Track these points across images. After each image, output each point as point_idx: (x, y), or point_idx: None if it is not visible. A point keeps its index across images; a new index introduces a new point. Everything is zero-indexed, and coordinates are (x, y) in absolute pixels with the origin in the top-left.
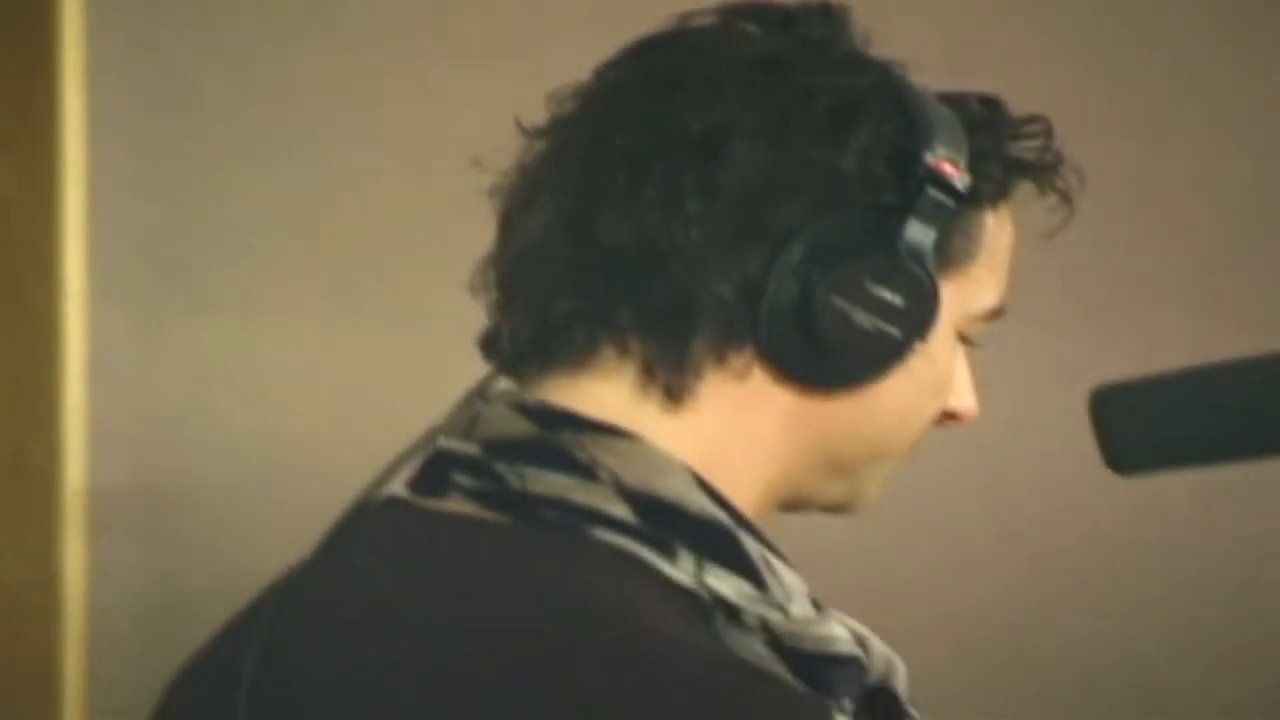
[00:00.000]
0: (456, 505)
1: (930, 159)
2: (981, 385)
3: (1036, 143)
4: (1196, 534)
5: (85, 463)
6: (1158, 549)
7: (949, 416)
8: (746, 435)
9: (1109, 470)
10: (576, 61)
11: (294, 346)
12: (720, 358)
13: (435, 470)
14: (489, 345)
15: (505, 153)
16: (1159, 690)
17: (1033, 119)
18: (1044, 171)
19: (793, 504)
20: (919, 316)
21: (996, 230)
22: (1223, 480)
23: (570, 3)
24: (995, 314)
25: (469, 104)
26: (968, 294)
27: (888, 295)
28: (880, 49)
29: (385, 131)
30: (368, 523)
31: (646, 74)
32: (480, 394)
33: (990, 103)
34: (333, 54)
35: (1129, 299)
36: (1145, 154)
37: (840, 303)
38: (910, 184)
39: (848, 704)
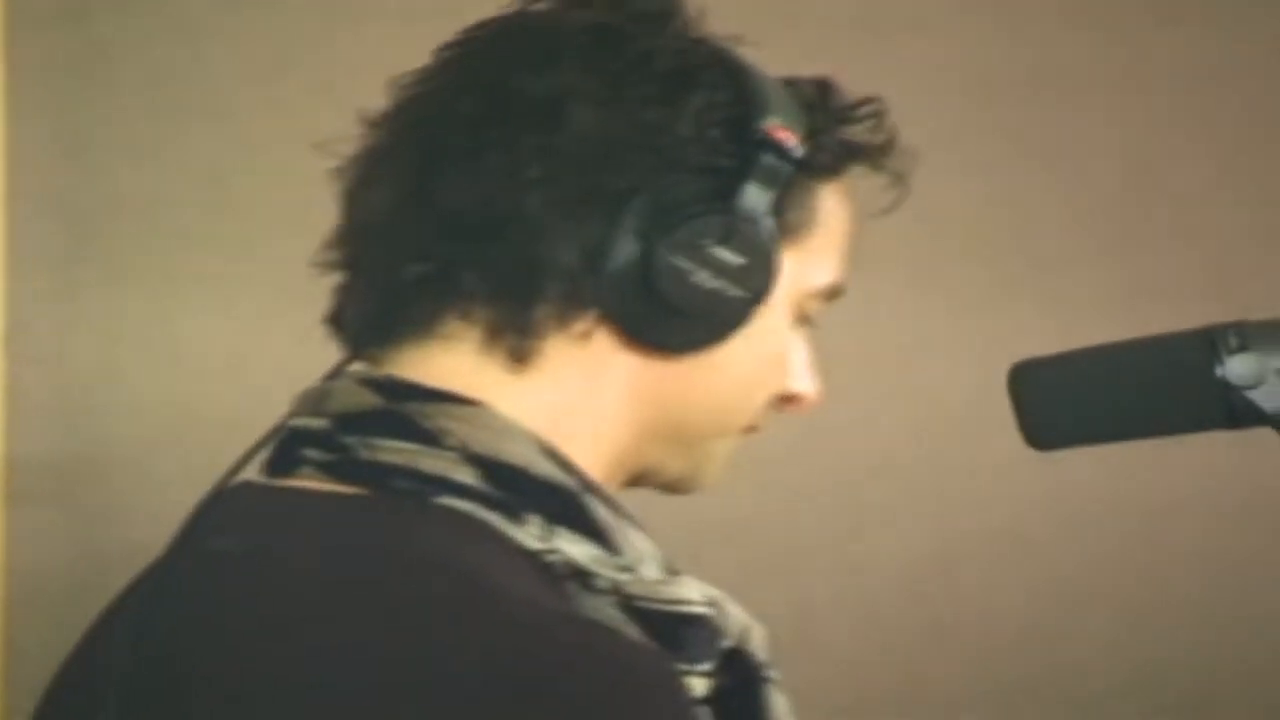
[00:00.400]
0: (307, 481)
1: (765, 124)
2: (903, 360)
3: (869, 123)
4: (1107, 507)
5: (2, 431)
6: (1071, 523)
7: (789, 400)
8: (591, 400)
9: (1029, 446)
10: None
11: (210, 316)
12: (563, 322)
13: (286, 448)
14: (336, 324)
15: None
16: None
17: (866, 100)
18: (876, 152)
19: (638, 477)
20: (759, 276)
21: (833, 207)
22: (1131, 453)
23: None
24: (834, 292)
25: (385, 71)
26: (806, 267)
27: (727, 255)
28: (715, 27)
29: (303, 100)
30: (222, 508)
31: (485, 48)
32: (331, 376)
33: (824, 84)
34: (252, 23)
35: (1048, 272)
36: (1062, 120)
37: (680, 262)
38: (746, 148)
39: (703, 665)
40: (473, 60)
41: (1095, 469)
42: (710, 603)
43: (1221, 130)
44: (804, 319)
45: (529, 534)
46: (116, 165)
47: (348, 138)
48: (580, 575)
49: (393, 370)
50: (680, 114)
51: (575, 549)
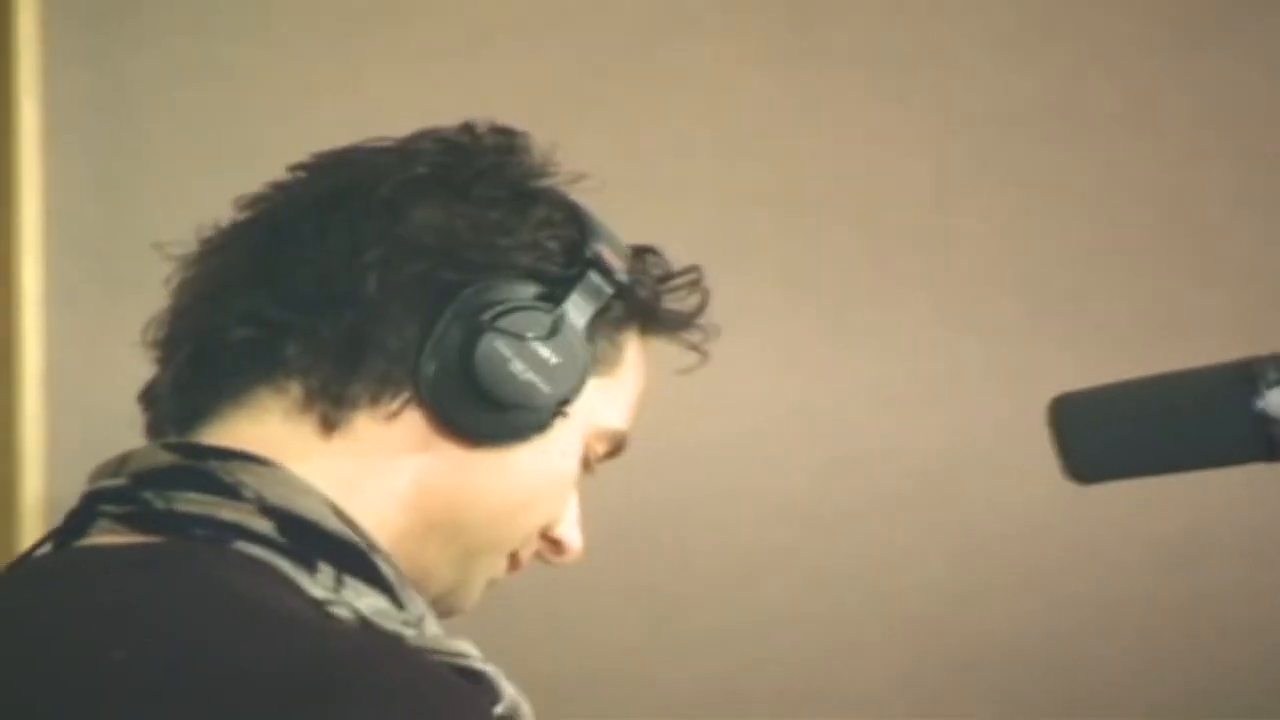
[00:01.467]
0: (102, 536)
1: (597, 247)
2: (931, 393)
3: (684, 291)
4: (1136, 542)
5: (42, 474)
6: (1099, 558)
7: (553, 544)
8: (385, 479)
9: (1068, 478)
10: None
11: None
12: (376, 400)
13: (82, 511)
14: (147, 402)
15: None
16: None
17: (687, 270)
18: (685, 321)
19: (411, 575)
20: (570, 379)
21: (635, 358)
22: (1162, 488)
23: (504, 10)
24: (618, 443)
25: (412, 107)
26: (604, 402)
27: (545, 351)
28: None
29: (333, 138)
30: (9, 577)
31: (340, 157)
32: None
33: (649, 249)
34: (282, 62)
35: (1075, 305)
36: (1089, 154)
37: (502, 347)
38: (576, 263)
39: None
40: (327, 165)
41: (1124, 503)
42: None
43: (1248, 163)
44: (587, 463)
45: (319, 583)
46: (154, 206)
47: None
48: (364, 625)
49: (196, 439)
50: (522, 220)
51: (362, 601)
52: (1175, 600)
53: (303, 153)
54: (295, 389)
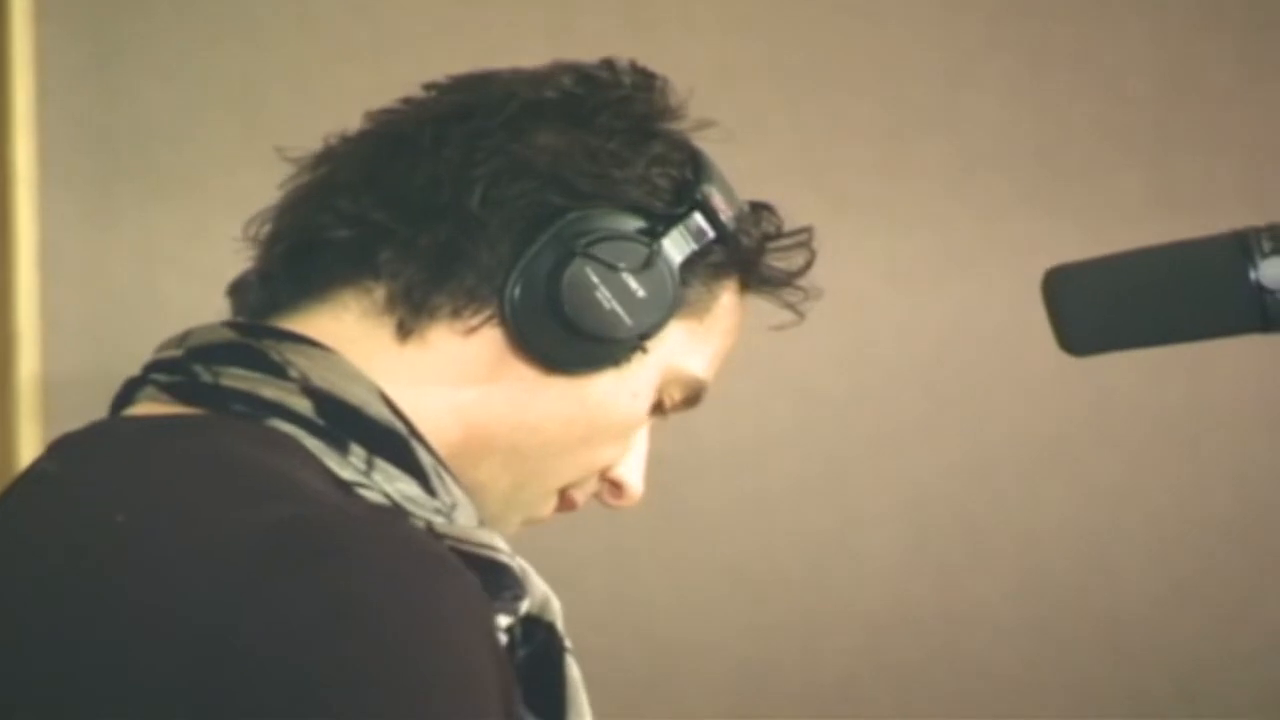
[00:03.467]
0: (147, 406)
1: (708, 189)
2: (935, 272)
3: (794, 249)
4: (1145, 416)
5: (38, 350)
6: (1108, 431)
7: (612, 486)
8: (452, 391)
9: (1064, 351)
10: None
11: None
12: (458, 313)
13: (135, 380)
14: (237, 294)
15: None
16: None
17: (799, 230)
18: (785, 279)
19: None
20: (653, 315)
21: (729, 308)
22: (1168, 361)
23: None
24: (697, 390)
25: None
26: (688, 346)
27: (633, 284)
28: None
29: (336, 16)
30: (61, 442)
31: (468, 81)
32: None
33: (766, 205)
34: None
35: (1078, 180)
36: (1091, 28)
37: (590, 274)
38: (684, 202)
39: (503, 619)
40: (460, 84)
41: (1132, 377)
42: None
43: (1252, 34)
44: (660, 407)
45: (349, 465)
46: (147, 84)
47: (380, 52)
48: (394, 510)
49: (264, 323)
50: (637, 154)
51: (392, 485)
52: (1186, 477)
53: (305, 30)
54: (379, 291)
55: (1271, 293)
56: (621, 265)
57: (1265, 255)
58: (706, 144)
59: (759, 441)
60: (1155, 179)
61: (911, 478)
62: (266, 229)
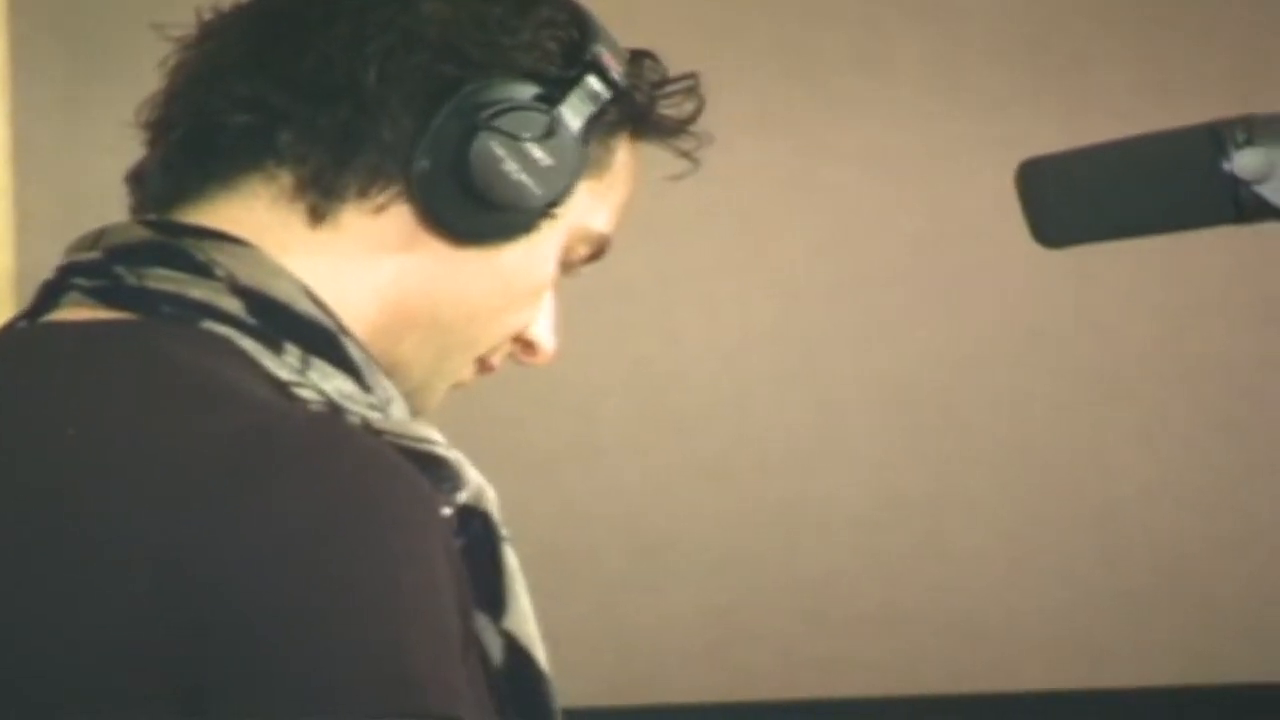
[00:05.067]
0: (74, 310)
1: (597, 50)
2: (920, 163)
3: (681, 96)
4: (1129, 305)
5: (12, 246)
6: (1092, 321)
7: (526, 345)
8: (368, 272)
9: (1037, 243)
10: None
11: None
12: (365, 192)
13: (54, 284)
14: (136, 182)
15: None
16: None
17: (684, 76)
18: (678, 128)
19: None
20: (561, 181)
21: (626, 161)
22: (1151, 253)
23: None
24: (600, 245)
25: None
26: (591, 205)
27: (539, 153)
28: None
29: None
30: None
31: None
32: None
33: (647, 53)
34: None
35: (1065, 72)
36: None
37: (496, 147)
38: (575, 65)
39: (444, 510)
40: None
41: (1117, 268)
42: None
43: None
44: (568, 265)
45: (285, 364)
46: None
47: None
48: (329, 407)
49: (177, 218)
50: (524, 19)
51: (329, 383)
52: (1173, 366)
53: None
54: (286, 177)
55: (1245, 184)
56: (525, 135)
57: (1239, 146)
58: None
59: (740, 336)
60: (1143, 72)
61: (894, 369)
62: (157, 114)
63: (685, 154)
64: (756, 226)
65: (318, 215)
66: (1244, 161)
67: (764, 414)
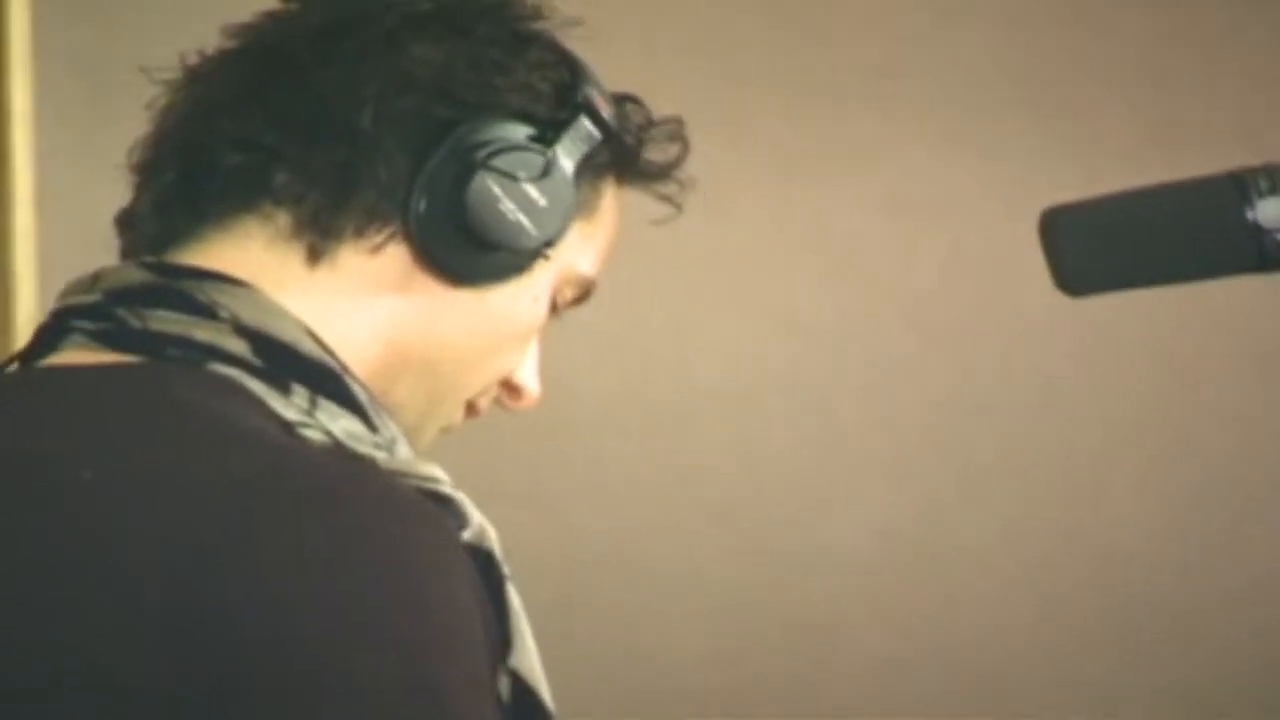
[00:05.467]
0: (75, 354)
1: (588, 91)
2: (933, 209)
3: (666, 141)
4: (1138, 355)
5: (35, 291)
6: (1101, 372)
7: (512, 390)
8: (364, 311)
9: (1061, 291)
10: None
11: None
12: (362, 232)
13: (54, 325)
14: (125, 225)
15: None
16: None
17: (669, 120)
18: (664, 172)
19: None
20: (555, 222)
21: (612, 204)
22: (1161, 301)
23: None
24: (587, 288)
25: None
26: (580, 246)
27: (534, 193)
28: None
29: None
30: None
31: None
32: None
33: (632, 97)
34: None
35: (1077, 119)
36: None
37: (493, 186)
38: (568, 107)
39: None
40: (318, 4)
41: (1127, 316)
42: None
43: None
44: (555, 308)
45: (293, 405)
46: (144, 19)
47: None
48: (337, 447)
49: (173, 260)
50: (517, 60)
51: (336, 424)
52: (1178, 417)
53: None
54: (283, 218)
55: (1269, 232)
56: (521, 175)
57: (1262, 195)
58: (572, 41)
59: (752, 381)
60: (1152, 118)
61: (905, 417)
62: (147, 155)
63: (667, 198)
64: (772, 270)
65: (316, 255)
66: (1268, 210)
67: (774, 457)
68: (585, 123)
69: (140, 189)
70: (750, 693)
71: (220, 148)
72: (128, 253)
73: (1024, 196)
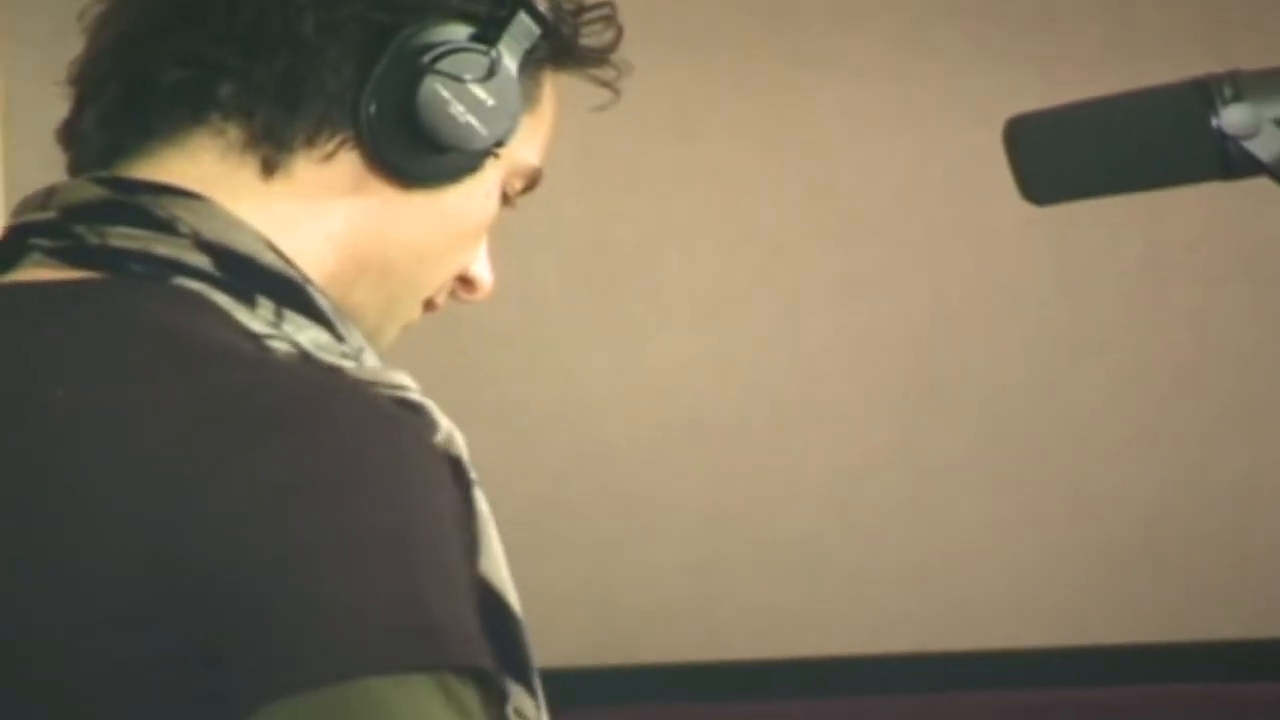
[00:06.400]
0: (35, 272)
1: None
2: (894, 122)
3: (599, 26)
4: (1104, 264)
5: (2, 210)
6: (1068, 280)
7: (466, 283)
8: (320, 219)
9: (1025, 200)
10: None
11: None
12: (312, 141)
13: (9, 244)
14: (66, 139)
15: None
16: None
17: (600, 4)
18: (601, 57)
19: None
20: (504, 121)
21: (551, 95)
22: (1126, 211)
23: None
24: (534, 177)
25: None
26: (524, 138)
27: (482, 93)
28: None
29: None
30: None
31: None
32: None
33: None
34: None
35: (1036, 29)
36: None
37: (442, 90)
38: (506, 3)
39: None
40: None
41: (1092, 227)
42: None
43: None
44: (505, 199)
45: (258, 317)
46: None
47: None
48: (305, 358)
49: (127, 174)
50: None
51: (302, 334)
52: (1146, 324)
53: None
54: (233, 131)
55: (1233, 139)
56: (468, 76)
57: (1226, 102)
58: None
59: (720, 293)
60: (1114, 27)
61: (872, 326)
62: (87, 69)
63: (607, 84)
64: (736, 185)
65: (270, 167)
66: (1232, 117)
67: (744, 371)
68: (524, 18)
69: (81, 102)
70: (723, 606)
71: (162, 62)
72: (75, 168)
73: (987, 108)
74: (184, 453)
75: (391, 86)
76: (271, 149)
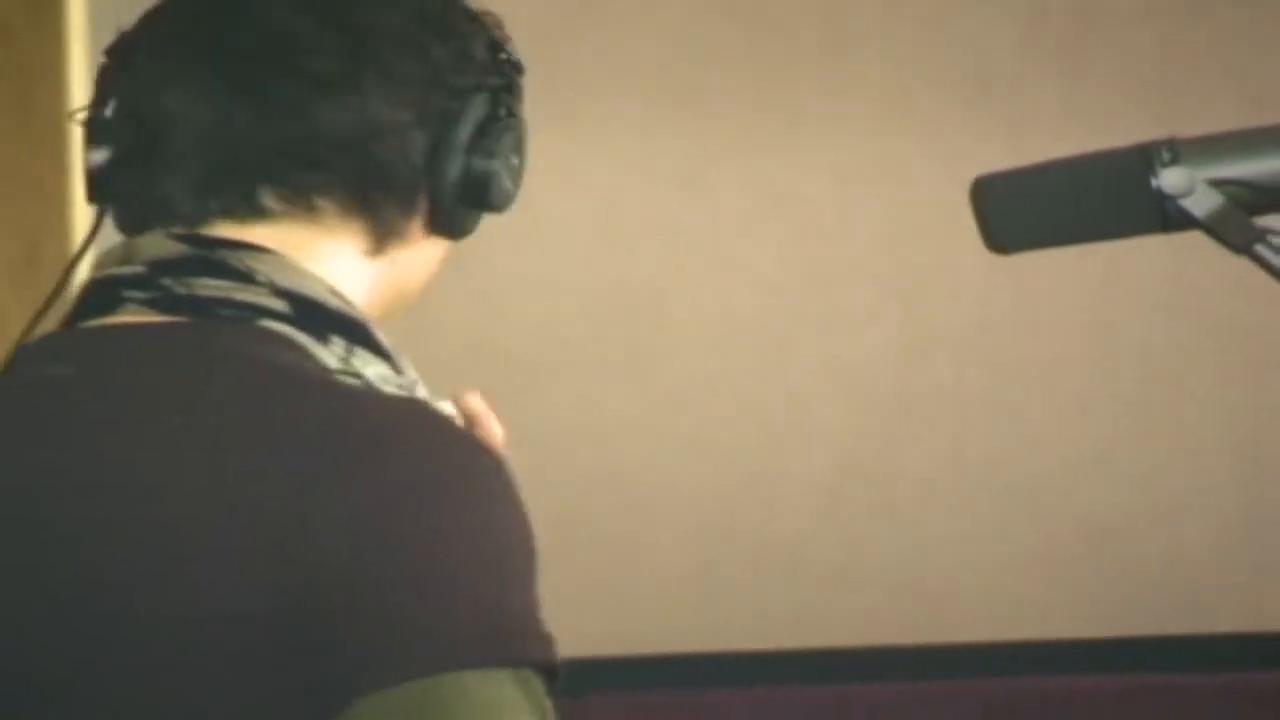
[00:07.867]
0: (132, 317)
1: (509, 47)
2: (876, 175)
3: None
4: (1062, 304)
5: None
6: (1030, 317)
7: None
8: (369, 266)
9: (989, 250)
10: None
11: None
12: (407, 214)
13: (102, 293)
14: (105, 190)
15: None
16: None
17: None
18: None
19: None
20: (522, 173)
21: None
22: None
23: None
24: None
25: None
26: None
27: (515, 160)
28: None
29: None
30: (41, 348)
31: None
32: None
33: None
34: None
35: (1002, 95)
36: None
37: (497, 167)
38: (504, 68)
39: None
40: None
41: (1049, 270)
42: None
43: None
44: None
45: (332, 354)
46: None
47: None
48: (370, 389)
49: (203, 232)
50: (477, 39)
51: (369, 369)
52: (1100, 357)
53: None
54: (330, 218)
55: (1170, 198)
56: (509, 148)
57: (1165, 165)
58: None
59: (722, 327)
60: (1071, 97)
61: (855, 358)
62: (132, 121)
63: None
64: (736, 231)
65: (380, 245)
66: (1170, 179)
67: (741, 395)
68: (519, 78)
69: (121, 165)
70: (724, 603)
71: (262, 181)
72: (140, 222)
73: (959, 166)
74: (306, 466)
75: (456, 168)
76: (381, 232)
